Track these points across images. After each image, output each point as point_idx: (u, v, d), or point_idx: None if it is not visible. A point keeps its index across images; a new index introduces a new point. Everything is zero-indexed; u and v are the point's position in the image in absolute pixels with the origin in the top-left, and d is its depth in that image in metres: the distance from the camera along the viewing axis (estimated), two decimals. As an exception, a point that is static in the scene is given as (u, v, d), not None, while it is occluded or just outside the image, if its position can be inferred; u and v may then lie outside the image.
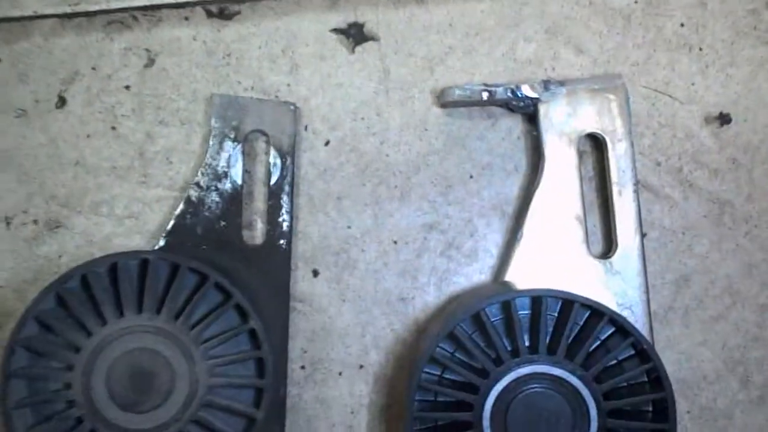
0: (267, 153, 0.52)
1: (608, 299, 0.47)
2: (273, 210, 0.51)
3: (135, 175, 0.52)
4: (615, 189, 0.48)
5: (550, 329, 0.45)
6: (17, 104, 0.53)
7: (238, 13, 0.53)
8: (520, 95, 0.48)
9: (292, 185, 0.52)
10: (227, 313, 0.46)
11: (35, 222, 0.52)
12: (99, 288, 0.45)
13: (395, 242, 0.52)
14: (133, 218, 0.52)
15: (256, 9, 0.53)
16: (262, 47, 0.53)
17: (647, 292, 0.48)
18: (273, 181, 0.51)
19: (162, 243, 0.50)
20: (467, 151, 0.52)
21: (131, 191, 0.52)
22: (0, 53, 0.53)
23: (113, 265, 0.45)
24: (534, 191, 0.49)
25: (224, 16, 0.53)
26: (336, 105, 0.52)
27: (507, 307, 0.44)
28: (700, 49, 0.52)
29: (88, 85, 0.53)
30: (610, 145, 0.49)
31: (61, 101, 0.53)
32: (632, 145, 0.49)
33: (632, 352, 0.44)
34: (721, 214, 0.51)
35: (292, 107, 0.52)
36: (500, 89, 0.48)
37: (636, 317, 0.47)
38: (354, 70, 0.52)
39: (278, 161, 0.51)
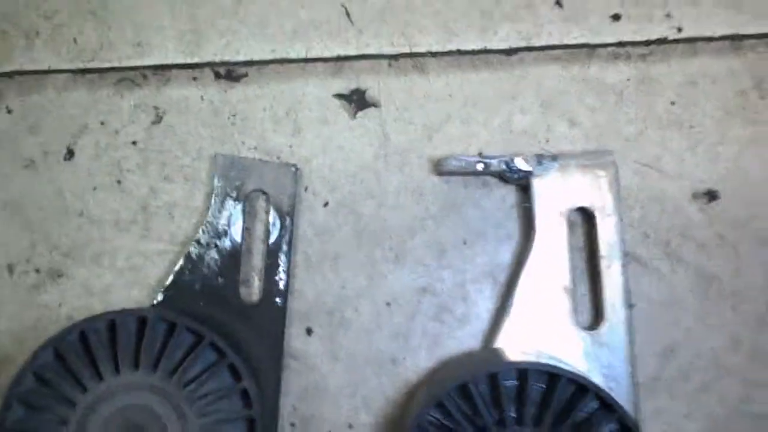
0: (267, 212, 0.53)
1: (595, 370, 0.48)
2: (270, 268, 0.53)
3: (137, 229, 0.54)
4: (603, 262, 0.50)
5: (537, 400, 0.46)
6: (26, 155, 0.54)
7: (245, 75, 0.55)
8: (513, 168, 0.50)
9: (290, 244, 0.53)
10: (221, 372, 0.47)
11: (37, 271, 0.53)
12: (97, 343, 0.46)
13: (389, 304, 0.53)
14: (133, 271, 0.53)
15: (263, 72, 0.55)
16: (266, 109, 0.54)
17: (634, 364, 0.49)
18: (272, 239, 0.53)
19: (160, 297, 0.51)
20: (462, 218, 0.53)
21: (133, 244, 0.53)
22: (12, 105, 0.55)
23: (111, 322, 0.46)
24: (524, 261, 0.50)
25: (232, 78, 0.55)
26: (336, 168, 0.54)
27: (494, 379, 0.45)
28: (691, 127, 0.54)
29: (96, 139, 0.54)
30: (599, 219, 0.50)
31: (70, 153, 0.54)
32: (621, 219, 0.50)
33: (617, 427, 0.45)
34: (708, 288, 0.53)
35: (293, 168, 0.53)
36: (495, 161, 0.50)
37: (622, 389, 0.48)
38: (355, 135, 0.54)
39: (278, 221, 0.53)
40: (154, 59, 0.55)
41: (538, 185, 0.50)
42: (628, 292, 0.50)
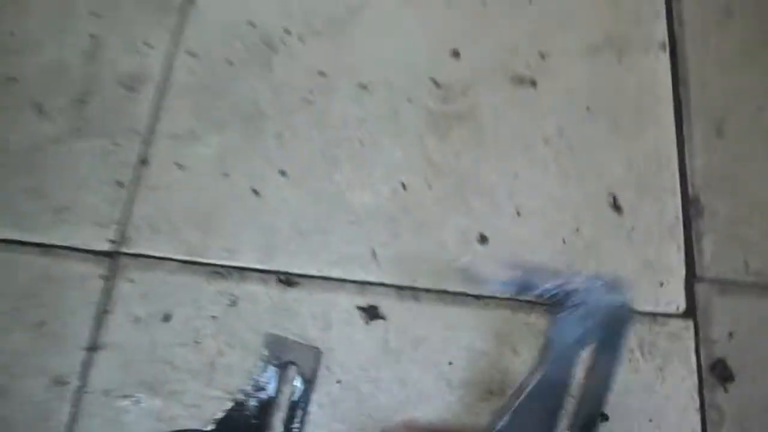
0: (294, 378, 0.76)
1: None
2: (289, 419, 0.74)
3: (204, 378, 0.75)
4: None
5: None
6: (135, 313, 0.78)
7: (299, 283, 0.80)
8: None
9: (306, 403, 0.75)
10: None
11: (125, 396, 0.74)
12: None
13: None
14: (195, 407, 0.74)
15: (311, 283, 0.80)
16: (308, 309, 0.79)
17: None
18: (294, 398, 0.75)
19: (211, 427, 0.72)
20: (431, 405, 0.76)
21: (199, 388, 0.75)
22: (132, 275, 0.79)
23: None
24: None
25: (289, 283, 0.80)
26: (350, 357, 0.78)
27: None
28: None
29: (187, 310, 0.78)
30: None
31: (167, 318, 0.78)
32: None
33: None
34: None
35: (316, 350, 0.77)
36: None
37: None
38: (366, 337, 0.79)
39: (301, 385, 0.75)
40: (238, 262, 0.81)
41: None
42: None
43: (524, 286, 0.45)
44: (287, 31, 0.93)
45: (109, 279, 0.79)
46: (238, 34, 0.93)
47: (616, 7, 0.98)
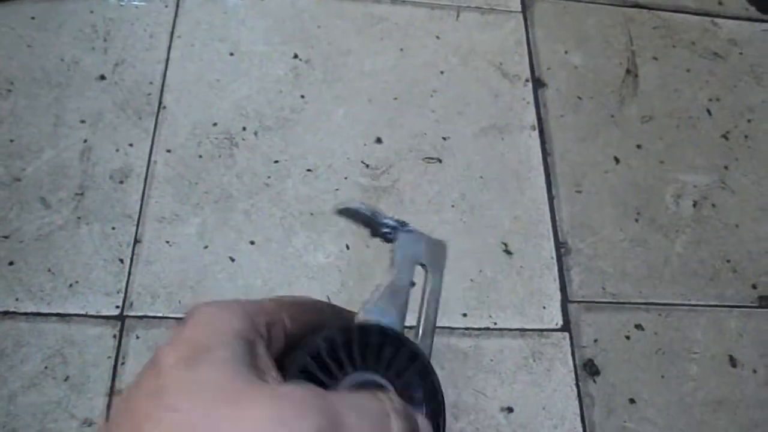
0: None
1: None
2: None
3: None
4: None
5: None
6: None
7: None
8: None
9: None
10: None
11: None
12: None
13: None
14: None
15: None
16: (282, 347, 1.02)
17: None
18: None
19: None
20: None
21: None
22: (137, 333, 1.00)
23: None
24: None
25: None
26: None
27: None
28: None
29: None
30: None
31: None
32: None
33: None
34: (508, 459, 1.00)
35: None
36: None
37: None
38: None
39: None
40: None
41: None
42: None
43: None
44: (244, 128, 1.18)
45: (120, 337, 0.99)
46: (204, 133, 1.17)
47: (497, 97, 1.29)
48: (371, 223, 0.72)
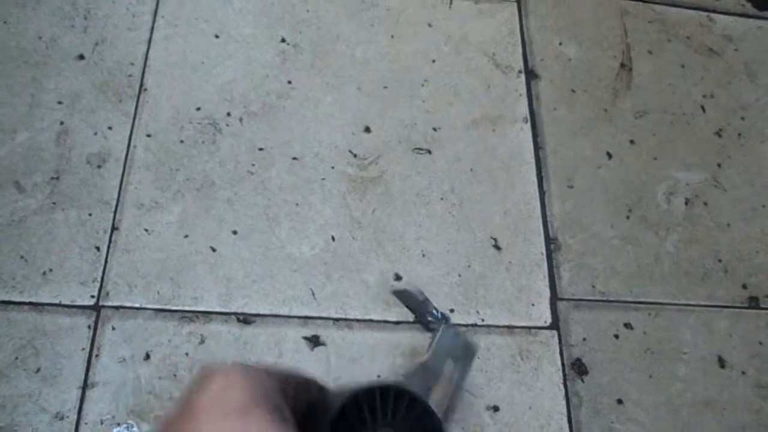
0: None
1: None
2: None
3: (183, 403, 0.93)
4: None
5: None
6: (120, 355, 0.94)
7: (254, 321, 1.00)
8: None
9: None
10: None
11: None
12: None
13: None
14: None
15: (265, 320, 1.00)
16: (264, 341, 0.99)
17: None
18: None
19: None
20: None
21: (180, 412, 0.93)
22: (112, 324, 0.96)
23: None
24: None
25: (246, 321, 0.99)
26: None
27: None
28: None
29: (164, 350, 0.96)
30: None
31: (147, 356, 0.95)
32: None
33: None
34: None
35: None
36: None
37: None
38: (313, 361, 0.99)
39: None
40: (203, 307, 0.99)
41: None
42: None
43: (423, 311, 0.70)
44: (228, 114, 1.14)
45: (95, 328, 0.95)
46: (187, 117, 1.12)
47: (489, 88, 1.26)
48: (419, 310, 0.83)
